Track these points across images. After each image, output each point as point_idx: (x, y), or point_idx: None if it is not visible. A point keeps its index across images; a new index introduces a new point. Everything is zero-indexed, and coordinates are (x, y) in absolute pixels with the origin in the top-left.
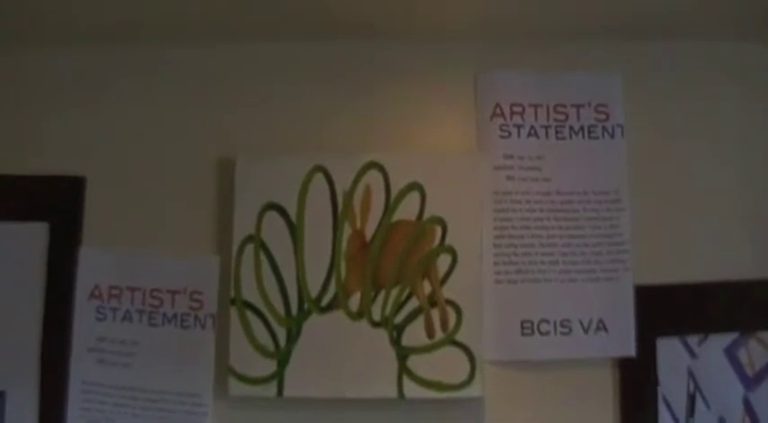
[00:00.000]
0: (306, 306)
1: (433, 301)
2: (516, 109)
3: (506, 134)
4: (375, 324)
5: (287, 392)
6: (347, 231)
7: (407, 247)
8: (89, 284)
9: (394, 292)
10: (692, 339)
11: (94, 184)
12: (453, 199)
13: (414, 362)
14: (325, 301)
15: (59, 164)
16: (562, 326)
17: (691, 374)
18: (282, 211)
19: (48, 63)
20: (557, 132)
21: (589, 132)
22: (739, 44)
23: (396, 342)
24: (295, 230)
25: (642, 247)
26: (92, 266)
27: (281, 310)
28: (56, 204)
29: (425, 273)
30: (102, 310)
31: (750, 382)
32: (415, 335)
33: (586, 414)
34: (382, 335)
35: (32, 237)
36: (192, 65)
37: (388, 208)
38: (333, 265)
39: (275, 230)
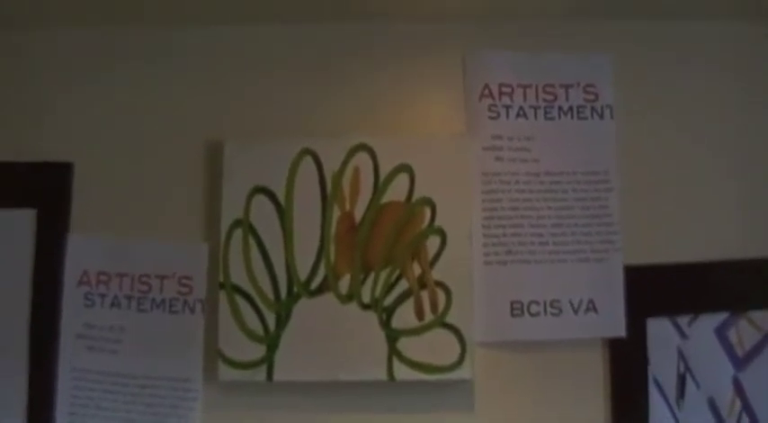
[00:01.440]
0: (295, 289)
1: (422, 283)
2: (505, 89)
3: (495, 115)
4: (365, 306)
5: (277, 377)
6: (336, 214)
7: (397, 229)
8: (77, 271)
9: (383, 274)
10: (683, 319)
11: (82, 169)
12: (442, 180)
13: (404, 344)
14: (314, 284)
15: (46, 150)
16: (552, 307)
17: (681, 355)
18: (271, 195)
19: (32, 48)
20: (546, 113)
21: (578, 113)
22: (730, 23)
23: (386, 324)
24: (284, 214)
25: (632, 228)
26: (80, 253)
27: (270, 293)
28: (43, 191)
29: (415, 254)
30: (91, 296)
31: (740, 361)
32: (404, 317)
33: (576, 395)
34: (372, 317)
35: (20, 223)
36: (179, 49)
37: (377, 190)
38: (322, 248)
39: (264, 214)
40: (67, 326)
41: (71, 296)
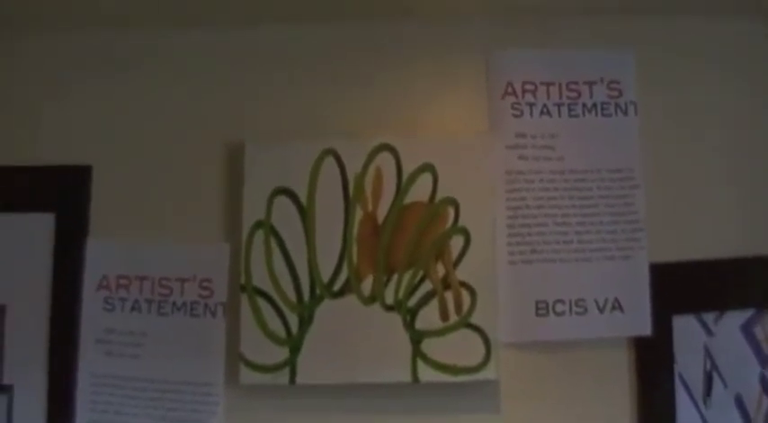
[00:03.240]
0: (318, 291)
1: (446, 284)
2: (528, 87)
3: (518, 113)
4: (388, 308)
5: (299, 380)
6: (359, 215)
7: (420, 230)
8: (97, 275)
9: (407, 275)
10: (708, 317)
11: (101, 172)
12: (466, 180)
13: (428, 345)
14: (337, 285)
15: (65, 153)
16: (577, 306)
17: (707, 352)
18: (293, 196)
19: (50, 50)
20: (569, 110)
21: (602, 110)
22: (755, 19)
23: (409, 326)
24: (306, 215)
25: (657, 225)
26: (99, 257)
27: (292, 296)
28: (62, 194)
29: (438, 255)
30: (111, 300)
31: (767, 359)
32: (428, 318)
33: (603, 394)
34: (395, 319)
35: (39, 228)
36: (198, 50)
37: (400, 190)
38: (344, 250)
39: (286, 215)
40: (87, 331)
41: (90, 301)
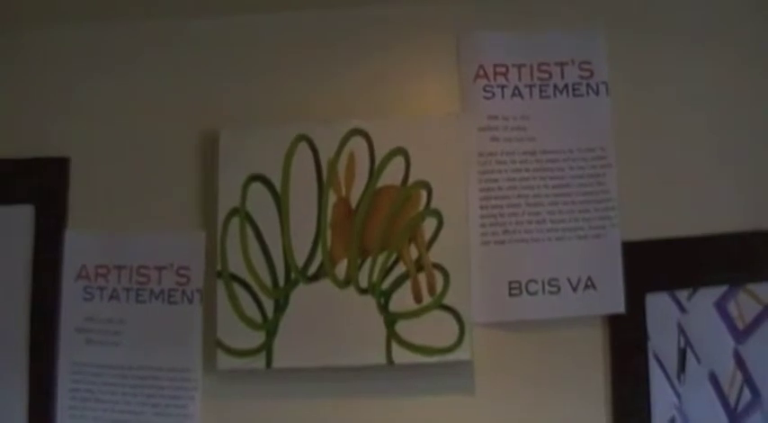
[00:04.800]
0: (293, 276)
1: (419, 266)
2: (500, 69)
3: (490, 95)
4: (362, 291)
5: (276, 363)
6: (332, 199)
7: (393, 213)
8: (76, 265)
9: (380, 258)
10: (682, 294)
11: (79, 163)
12: (438, 162)
13: (402, 327)
14: (311, 270)
15: (43, 146)
16: (550, 285)
17: (681, 329)
18: (267, 182)
19: (25, 43)
20: (541, 91)
21: (573, 90)
22: None
23: (384, 308)
24: (280, 201)
25: (629, 204)
26: (78, 247)
27: (267, 281)
28: (41, 186)
29: (411, 237)
30: (90, 289)
31: (740, 334)
32: (402, 300)
33: (577, 372)
34: (370, 301)
35: (18, 219)
36: (171, 39)
37: (373, 174)
38: (318, 234)
39: (260, 202)
40: (67, 320)
41: (70, 290)
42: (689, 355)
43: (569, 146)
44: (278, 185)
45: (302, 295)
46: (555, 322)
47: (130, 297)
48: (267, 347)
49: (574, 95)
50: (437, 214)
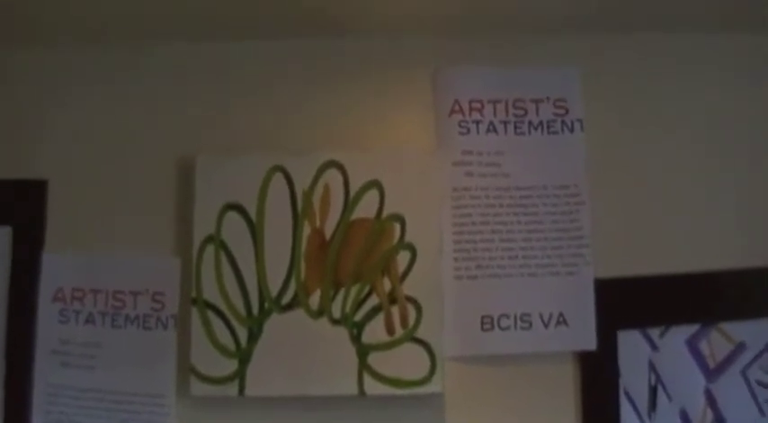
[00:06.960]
0: (266, 305)
1: (392, 298)
2: (475, 105)
3: (465, 130)
4: (335, 322)
5: (248, 391)
6: (307, 230)
7: (367, 245)
8: (52, 287)
9: (354, 289)
10: (653, 332)
11: (57, 186)
12: (412, 196)
13: (374, 359)
14: (285, 299)
15: (21, 168)
16: (522, 320)
17: (652, 367)
18: (243, 211)
19: (3, 65)
20: (516, 128)
21: (548, 127)
22: (696, 35)
23: (356, 339)
24: (255, 230)
25: (602, 241)
26: (55, 269)
27: (241, 309)
28: (19, 208)
29: (385, 270)
30: (66, 312)
31: (711, 373)
32: (375, 332)
33: (548, 408)
34: (342, 333)
35: None
36: (150, 65)
37: (347, 206)
38: (293, 265)
39: (235, 230)
40: (43, 342)
41: (46, 312)
42: (660, 392)
43: (543, 182)
44: (253, 215)
45: (276, 324)
46: (526, 357)
47: (106, 321)
48: (240, 375)
49: (549, 132)
50: (411, 247)
